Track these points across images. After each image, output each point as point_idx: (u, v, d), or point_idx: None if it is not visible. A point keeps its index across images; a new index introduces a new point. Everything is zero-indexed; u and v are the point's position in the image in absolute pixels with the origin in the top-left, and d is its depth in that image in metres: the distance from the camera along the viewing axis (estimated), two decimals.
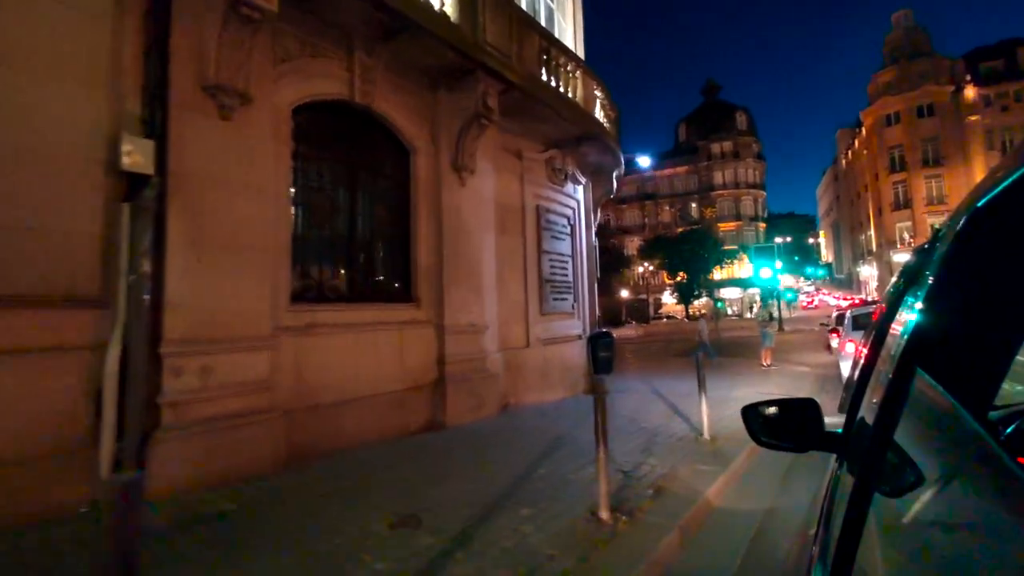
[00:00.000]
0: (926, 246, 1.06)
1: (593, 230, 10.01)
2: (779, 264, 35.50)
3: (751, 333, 31.31)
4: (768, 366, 12.76)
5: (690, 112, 66.04)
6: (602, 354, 8.96)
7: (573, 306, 8.71)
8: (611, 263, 51.58)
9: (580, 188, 9.37)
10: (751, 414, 1.26)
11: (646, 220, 64.23)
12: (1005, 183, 0.64)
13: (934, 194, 48.66)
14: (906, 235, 49.81)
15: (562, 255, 8.47)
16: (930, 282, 0.85)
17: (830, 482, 1.22)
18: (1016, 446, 0.75)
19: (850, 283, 69.12)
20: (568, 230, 8.80)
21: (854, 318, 9.52)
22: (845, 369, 8.70)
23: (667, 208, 63.49)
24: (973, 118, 47.61)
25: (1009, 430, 0.80)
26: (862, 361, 1.41)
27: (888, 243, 50.92)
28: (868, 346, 1.40)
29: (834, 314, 17.61)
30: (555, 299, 8.15)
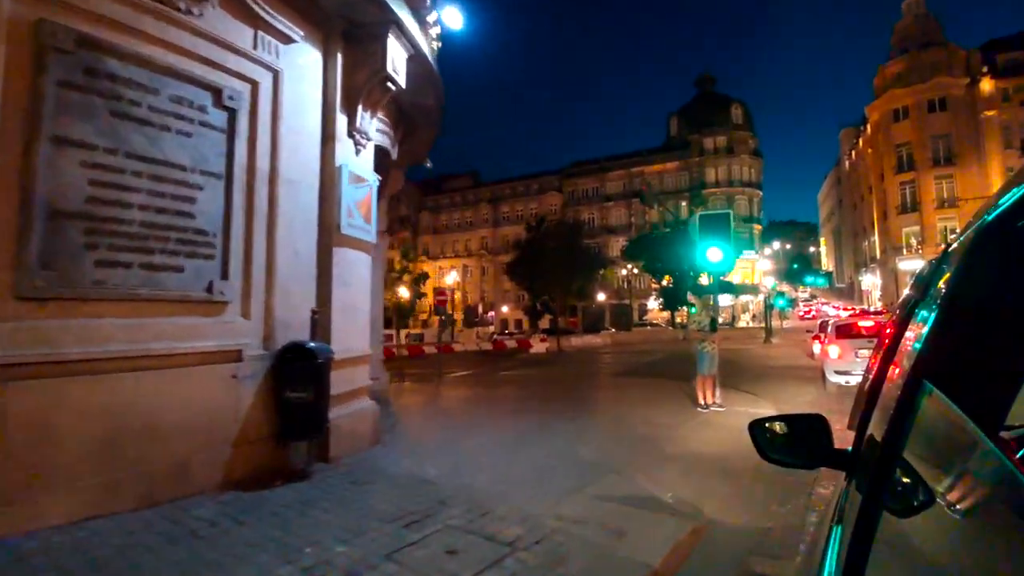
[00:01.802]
0: (938, 257, 1.05)
1: (346, 145, 5.17)
2: (774, 259, 30.87)
3: (735, 345, 26.60)
4: (708, 406, 7.83)
5: (682, 105, 61.35)
6: (290, 395, 4.08)
7: (213, 287, 3.84)
8: (590, 264, 46.86)
9: (285, 49, 4.57)
10: (758, 430, 1.22)
11: (632, 219, 59.46)
12: (1017, 195, 0.63)
13: (945, 196, 43.88)
14: (913, 241, 44.99)
15: (165, 166, 3.62)
16: (942, 294, 0.84)
17: (838, 501, 1.19)
18: None
19: (851, 292, 64.19)
20: (220, 121, 3.96)
21: (836, 327, 10.57)
22: (829, 373, 9.68)
23: (655, 207, 58.67)
24: (989, 113, 42.99)
25: (1020, 451, 0.73)
26: (871, 376, 1.35)
27: (893, 249, 46.04)
28: (878, 360, 1.35)
29: (819, 321, 18.64)
30: (111, 263, 3.30)
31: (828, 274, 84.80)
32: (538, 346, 27.11)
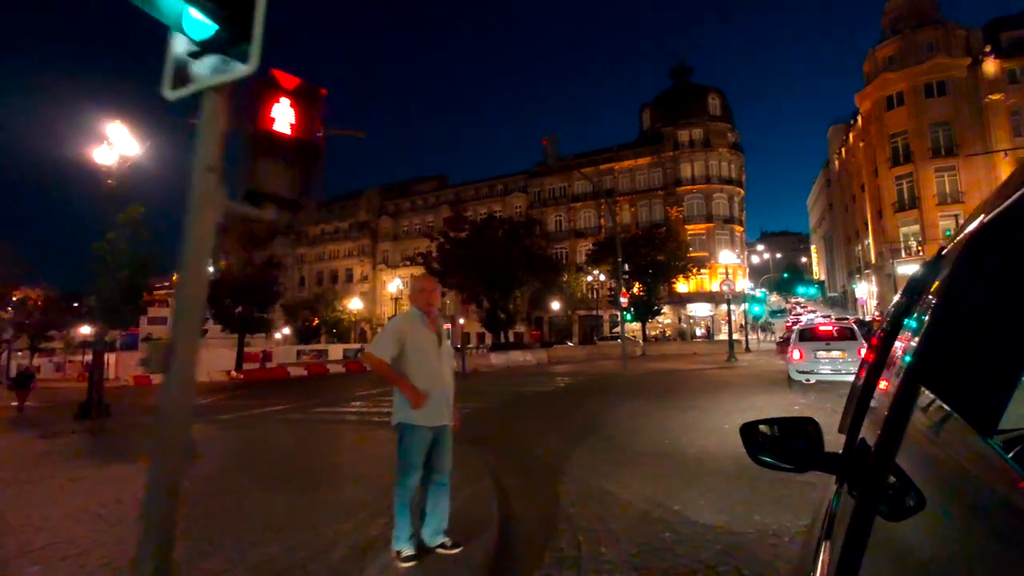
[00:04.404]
0: (931, 260, 1.06)
1: None
2: None
3: (685, 365, 20.82)
4: None
5: (656, 96, 56.13)
6: None
7: None
8: (543, 268, 41.03)
9: None
10: (749, 432, 1.21)
11: (602, 221, 53.84)
12: (1013, 198, 0.64)
13: (947, 190, 38.49)
14: (912, 242, 39.41)
15: None
16: (934, 298, 0.85)
17: (829, 505, 1.19)
18: (1022, 468, 0.68)
19: (845, 302, 58.43)
20: None
21: (799, 332, 11.64)
22: (793, 372, 10.72)
23: (627, 207, 53.11)
24: (995, 97, 37.92)
25: (1011, 453, 0.75)
26: (863, 379, 1.34)
27: (890, 252, 40.40)
28: (870, 364, 1.34)
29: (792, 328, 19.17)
30: None
31: (820, 283, 79.57)
32: None
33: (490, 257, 32.67)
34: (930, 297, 0.89)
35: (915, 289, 1.11)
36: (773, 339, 41.59)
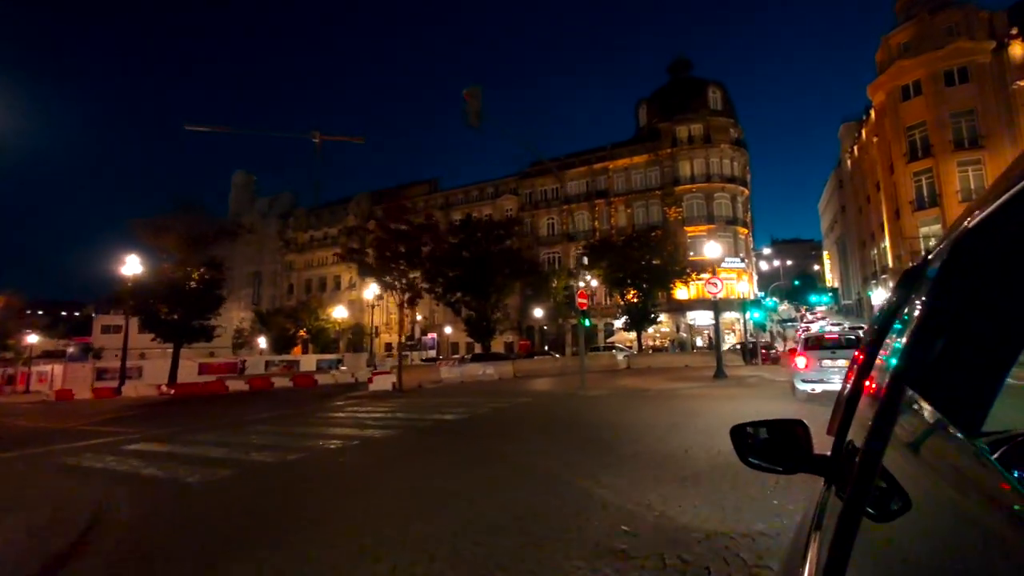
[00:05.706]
0: (919, 264, 1.09)
1: None
2: None
3: (653, 382, 16.47)
4: None
5: (653, 91, 52.88)
6: None
7: None
8: (520, 272, 37.68)
9: None
10: (739, 435, 1.23)
11: (596, 223, 50.59)
12: (999, 201, 0.65)
13: (971, 185, 34.58)
14: (933, 243, 35.25)
15: None
16: (921, 301, 0.87)
17: (817, 507, 1.20)
18: (1006, 470, 0.67)
19: (860, 309, 54.30)
20: None
21: (804, 340, 11.77)
22: (797, 382, 10.46)
23: (623, 208, 49.82)
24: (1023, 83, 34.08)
25: (997, 454, 0.69)
26: (850, 382, 1.36)
27: (909, 254, 36.47)
28: (857, 366, 1.37)
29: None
30: None
31: (833, 291, 75.31)
32: (381, 382, 17.86)
33: (464, 259, 29.47)
34: (918, 299, 0.90)
35: (903, 290, 1.12)
36: (784, 347, 37.79)
